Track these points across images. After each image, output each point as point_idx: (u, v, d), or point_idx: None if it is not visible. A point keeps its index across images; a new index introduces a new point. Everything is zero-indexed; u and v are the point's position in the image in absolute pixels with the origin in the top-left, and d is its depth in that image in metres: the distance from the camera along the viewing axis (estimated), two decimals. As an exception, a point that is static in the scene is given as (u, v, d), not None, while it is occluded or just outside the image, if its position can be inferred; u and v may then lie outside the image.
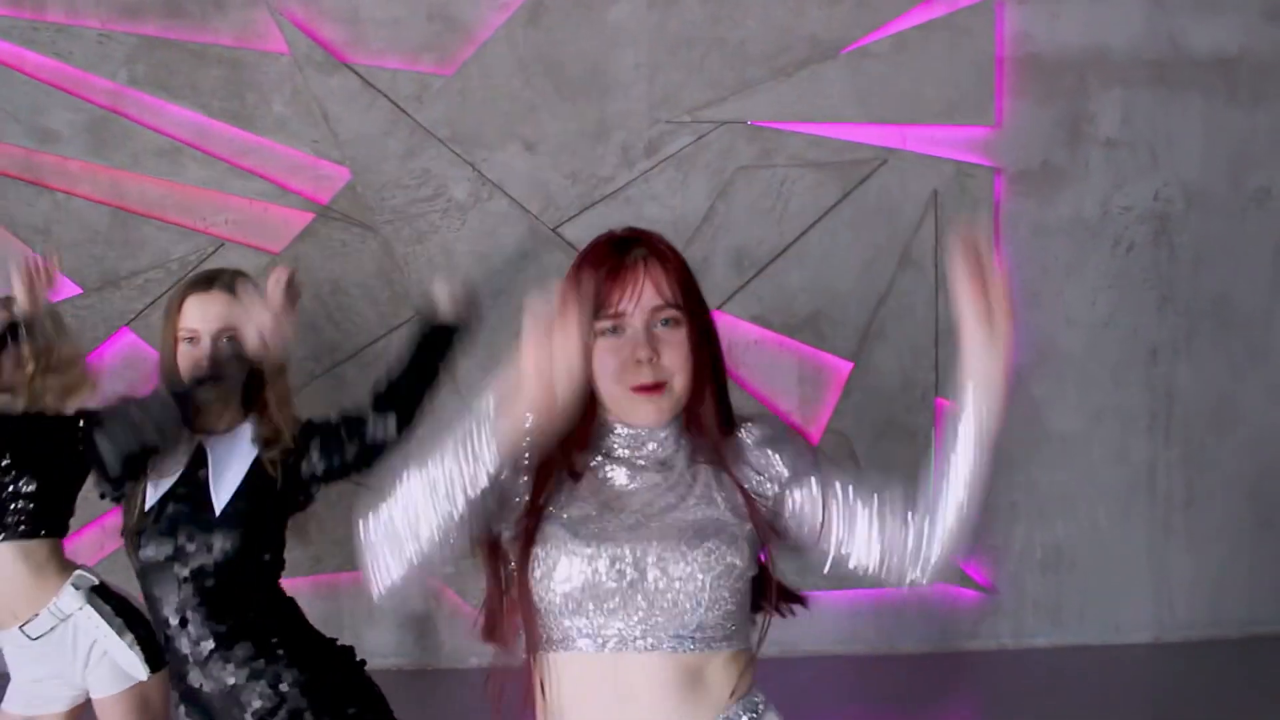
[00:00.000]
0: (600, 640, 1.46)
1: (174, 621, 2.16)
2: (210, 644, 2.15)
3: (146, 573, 2.19)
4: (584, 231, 4.57)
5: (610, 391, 1.50)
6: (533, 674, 1.52)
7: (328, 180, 4.54)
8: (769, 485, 1.56)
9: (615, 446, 1.54)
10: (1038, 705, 4.25)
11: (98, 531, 4.04)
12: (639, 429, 1.53)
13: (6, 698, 2.84)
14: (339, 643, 2.34)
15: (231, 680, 2.16)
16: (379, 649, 4.24)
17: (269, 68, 4.49)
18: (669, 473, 1.53)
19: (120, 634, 2.72)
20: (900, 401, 4.68)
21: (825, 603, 4.73)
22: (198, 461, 2.21)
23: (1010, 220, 4.68)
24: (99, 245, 4.46)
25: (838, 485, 1.57)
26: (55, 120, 4.46)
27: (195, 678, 2.17)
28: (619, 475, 1.53)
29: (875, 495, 1.57)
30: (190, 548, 2.14)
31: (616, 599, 1.45)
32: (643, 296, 1.48)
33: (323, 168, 4.53)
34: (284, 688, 2.16)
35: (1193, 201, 4.72)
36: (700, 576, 1.46)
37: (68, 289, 4.33)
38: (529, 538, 1.47)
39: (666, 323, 1.49)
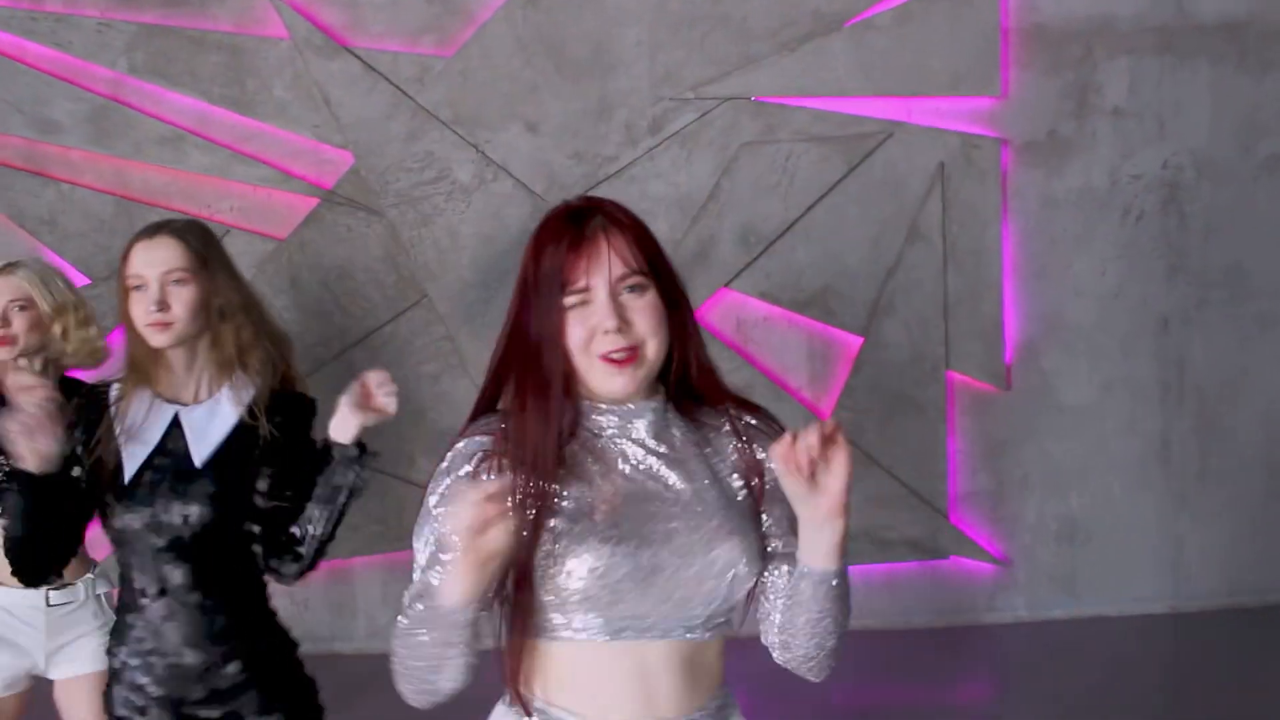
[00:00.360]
0: (613, 629, 1.46)
1: (147, 590, 2.12)
2: (180, 621, 2.12)
3: (121, 542, 2.14)
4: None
5: (581, 363, 1.48)
6: (521, 654, 1.50)
7: (331, 165, 4.53)
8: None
9: (605, 426, 1.53)
10: (1054, 677, 4.25)
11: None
12: (623, 406, 1.52)
13: None
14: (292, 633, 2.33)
15: (189, 659, 2.14)
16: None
17: (269, 53, 4.46)
18: (668, 452, 1.52)
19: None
20: (910, 375, 4.67)
21: (838, 579, 4.72)
22: (174, 430, 2.14)
23: (1018, 192, 4.65)
24: (104, 234, 4.45)
25: (785, 568, 1.54)
26: (57, 110, 4.45)
27: (155, 644, 2.14)
28: (613, 457, 1.52)
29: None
30: (165, 517, 2.09)
31: (632, 593, 1.45)
32: (604, 266, 1.46)
33: (325, 152, 4.52)
34: (230, 672, 2.16)
35: (1202, 170, 4.68)
36: (713, 581, 1.47)
37: (75, 279, 4.32)
38: (535, 536, 1.45)
39: (633, 289, 1.47)
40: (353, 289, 4.56)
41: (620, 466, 1.51)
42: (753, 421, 1.58)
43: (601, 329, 1.45)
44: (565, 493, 1.48)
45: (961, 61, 4.56)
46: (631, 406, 1.52)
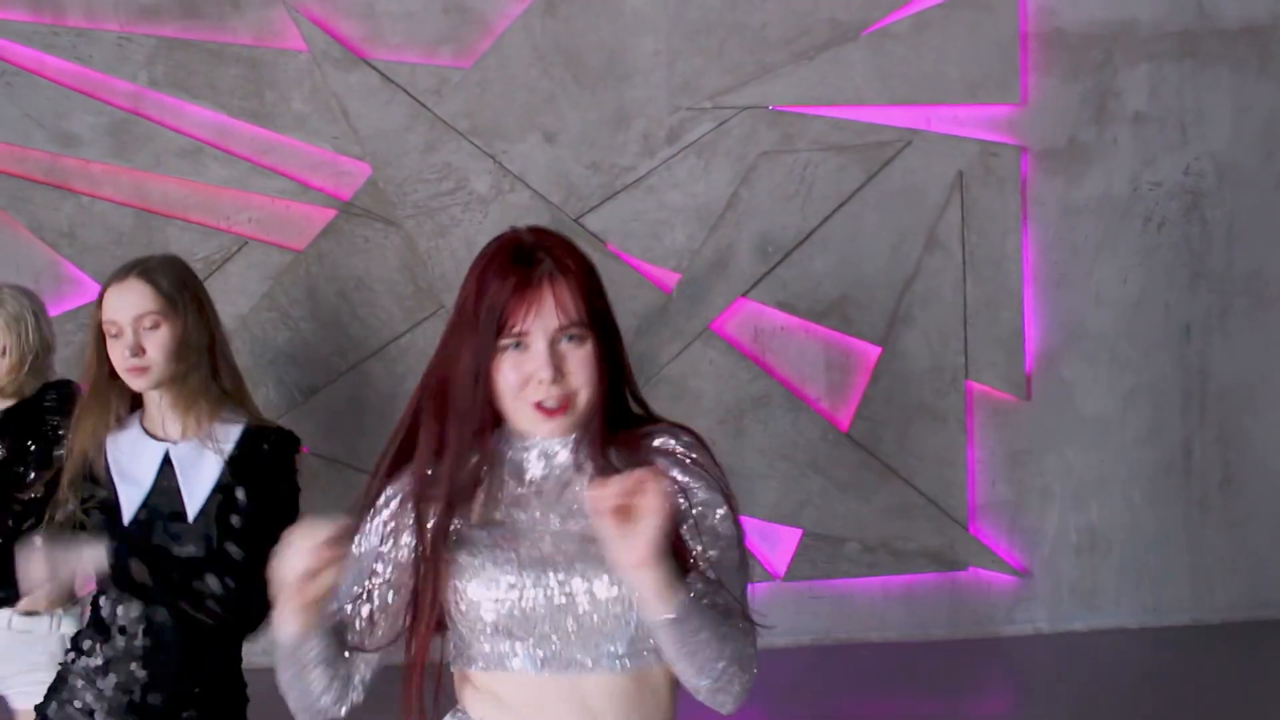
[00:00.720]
0: (538, 661, 1.47)
1: (128, 628, 2.12)
2: (151, 660, 2.12)
3: (110, 574, 2.11)
4: (606, 221, 4.55)
5: (511, 407, 1.49)
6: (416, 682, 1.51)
7: (349, 176, 4.54)
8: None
9: (526, 459, 1.54)
10: (1075, 690, 4.21)
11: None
12: (545, 440, 1.53)
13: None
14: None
15: (150, 699, 2.13)
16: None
17: (287, 65, 4.48)
18: (579, 484, 1.51)
19: None
20: (929, 385, 4.64)
21: (856, 589, 4.70)
22: (166, 468, 2.14)
23: (1037, 199, 4.62)
24: (123, 247, 4.47)
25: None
26: (77, 124, 4.48)
27: (121, 675, 2.13)
28: (530, 489, 1.53)
29: None
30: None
31: (546, 624, 1.46)
32: (546, 315, 1.45)
33: (343, 164, 4.53)
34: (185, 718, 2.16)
35: (1224, 176, 4.64)
36: (620, 611, 1.46)
37: (94, 291, 4.35)
38: (435, 570, 1.47)
39: (572, 338, 1.47)
40: (370, 300, 4.57)
41: (533, 499, 1.52)
42: (676, 475, 1.51)
43: (536, 378, 1.45)
44: (477, 526, 1.49)
45: (980, 69, 4.54)
46: (553, 440, 1.53)
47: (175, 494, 2.11)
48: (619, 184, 4.55)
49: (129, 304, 2.10)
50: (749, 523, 4.61)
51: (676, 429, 1.58)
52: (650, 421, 1.59)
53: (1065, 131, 4.60)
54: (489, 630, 1.47)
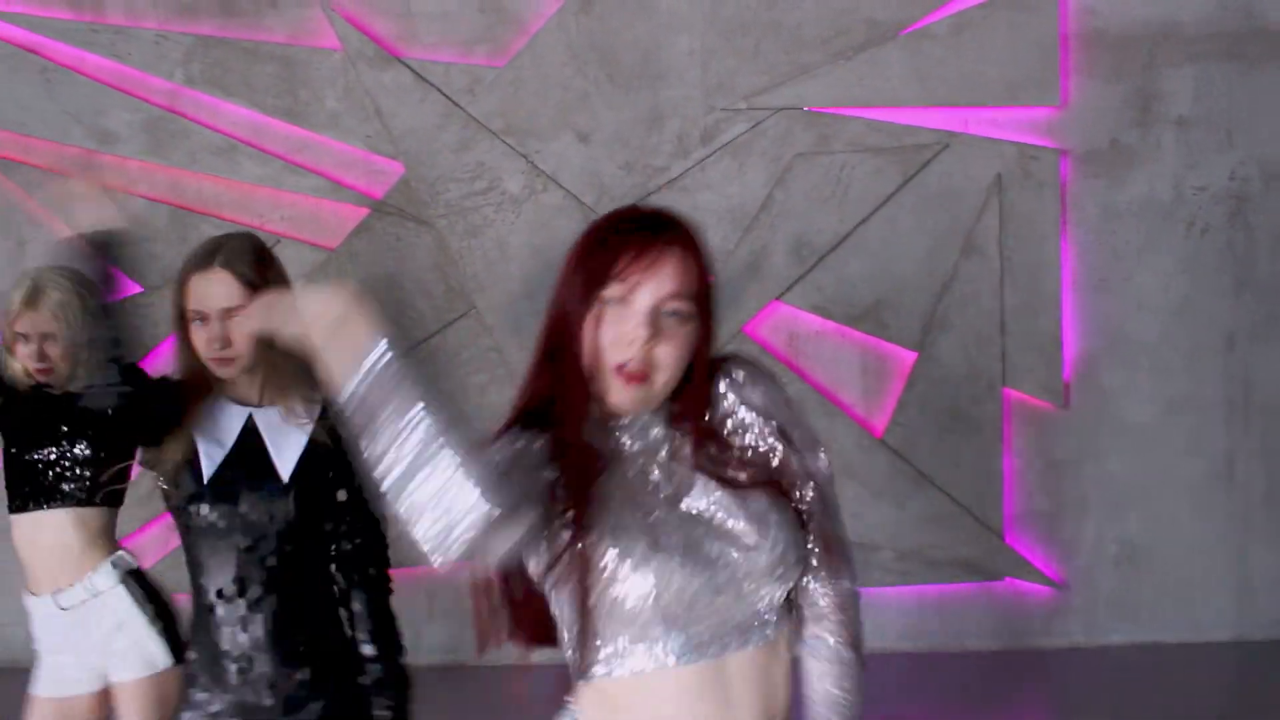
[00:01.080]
0: (695, 648, 1.39)
1: (225, 591, 2.10)
2: (255, 623, 2.10)
3: (200, 541, 2.12)
4: (639, 222, 4.51)
5: (596, 364, 1.40)
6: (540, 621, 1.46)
7: (381, 175, 4.54)
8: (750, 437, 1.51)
9: (623, 436, 1.47)
10: (1112, 705, 4.11)
11: (162, 528, 4.06)
12: (637, 420, 1.47)
13: (35, 680, 2.83)
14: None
15: (262, 669, 2.11)
16: (437, 645, 4.22)
17: (321, 64, 4.49)
18: (663, 458, 1.47)
19: (150, 621, 2.73)
20: (966, 392, 4.56)
21: (889, 598, 4.63)
22: (250, 431, 2.15)
23: (1078, 203, 4.54)
24: (158, 244, 4.49)
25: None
26: (114, 121, 4.51)
27: (228, 646, 2.11)
28: (638, 467, 1.46)
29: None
30: (253, 516, 2.09)
31: (703, 602, 1.39)
32: (661, 277, 1.38)
33: (376, 163, 4.53)
34: (299, 679, 2.12)
35: (1271, 181, 4.54)
36: (763, 559, 1.41)
37: (129, 288, 4.36)
38: (584, 554, 1.38)
39: (674, 314, 1.39)
40: (401, 299, 4.56)
41: (643, 474, 1.46)
42: (749, 398, 1.50)
43: (628, 338, 1.38)
44: (599, 505, 1.41)
45: (1019, 70, 4.47)
46: (644, 420, 1.47)
47: (262, 456, 2.12)
48: (652, 185, 4.51)
49: (217, 294, 2.08)
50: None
51: (734, 364, 1.52)
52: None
53: (1107, 134, 4.52)
54: (642, 619, 1.38)
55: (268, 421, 2.15)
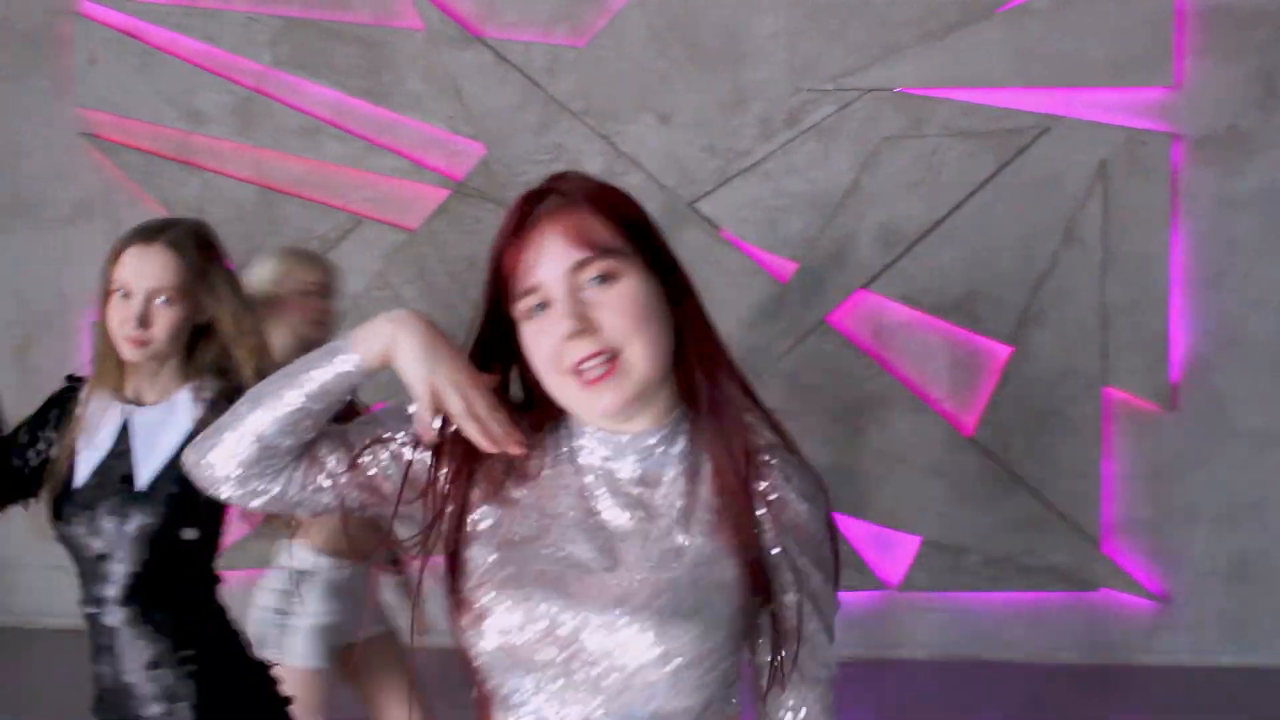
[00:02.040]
0: (555, 708, 1.14)
1: (96, 601, 1.97)
2: (127, 630, 1.95)
3: (70, 550, 1.99)
4: (722, 207, 4.39)
5: (551, 384, 1.16)
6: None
7: (462, 156, 4.52)
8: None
9: (584, 449, 1.21)
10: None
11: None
12: (617, 436, 1.19)
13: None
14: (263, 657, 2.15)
15: (131, 679, 1.96)
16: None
17: (404, 44, 4.49)
18: (643, 500, 1.18)
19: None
20: (1062, 390, 4.31)
21: (977, 603, 4.41)
22: (123, 434, 1.98)
23: (1190, 192, 4.23)
24: (246, 223, 4.56)
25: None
26: (205, 102, 4.59)
27: (105, 663, 1.98)
28: (586, 493, 1.20)
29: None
30: (108, 525, 1.94)
31: (559, 678, 1.13)
32: (555, 253, 1.13)
33: (457, 143, 4.51)
34: (177, 703, 1.96)
35: None
36: (658, 669, 1.11)
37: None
38: (453, 566, 1.17)
39: (599, 279, 1.13)
40: (480, 282, 4.51)
41: (584, 501, 1.20)
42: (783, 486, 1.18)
43: (559, 340, 1.12)
44: (498, 513, 1.20)
45: (1128, 48, 4.19)
46: (626, 439, 1.19)
47: (130, 461, 1.97)
48: (734, 168, 4.38)
49: (150, 272, 1.93)
50: (861, 526, 4.38)
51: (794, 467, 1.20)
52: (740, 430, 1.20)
53: (1225, 117, 4.20)
54: (496, 661, 1.16)
55: (145, 423, 1.99)
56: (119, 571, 1.95)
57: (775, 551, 1.17)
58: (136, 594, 1.96)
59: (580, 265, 1.13)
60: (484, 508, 1.21)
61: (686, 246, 4.48)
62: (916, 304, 4.37)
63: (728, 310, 4.42)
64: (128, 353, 1.97)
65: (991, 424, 4.35)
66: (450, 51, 4.45)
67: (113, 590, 1.96)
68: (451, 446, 1.20)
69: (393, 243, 4.55)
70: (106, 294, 1.97)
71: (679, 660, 1.10)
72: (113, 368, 2.01)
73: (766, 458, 1.18)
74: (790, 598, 1.17)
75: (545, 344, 1.14)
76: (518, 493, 1.20)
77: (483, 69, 4.45)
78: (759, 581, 1.16)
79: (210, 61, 4.58)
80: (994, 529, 4.36)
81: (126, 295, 1.95)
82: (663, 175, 4.41)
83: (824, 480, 1.22)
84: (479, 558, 1.17)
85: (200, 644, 2.00)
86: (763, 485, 1.17)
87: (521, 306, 1.15)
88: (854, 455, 4.37)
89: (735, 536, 1.15)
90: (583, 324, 1.12)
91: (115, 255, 1.98)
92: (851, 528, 4.37)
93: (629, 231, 1.16)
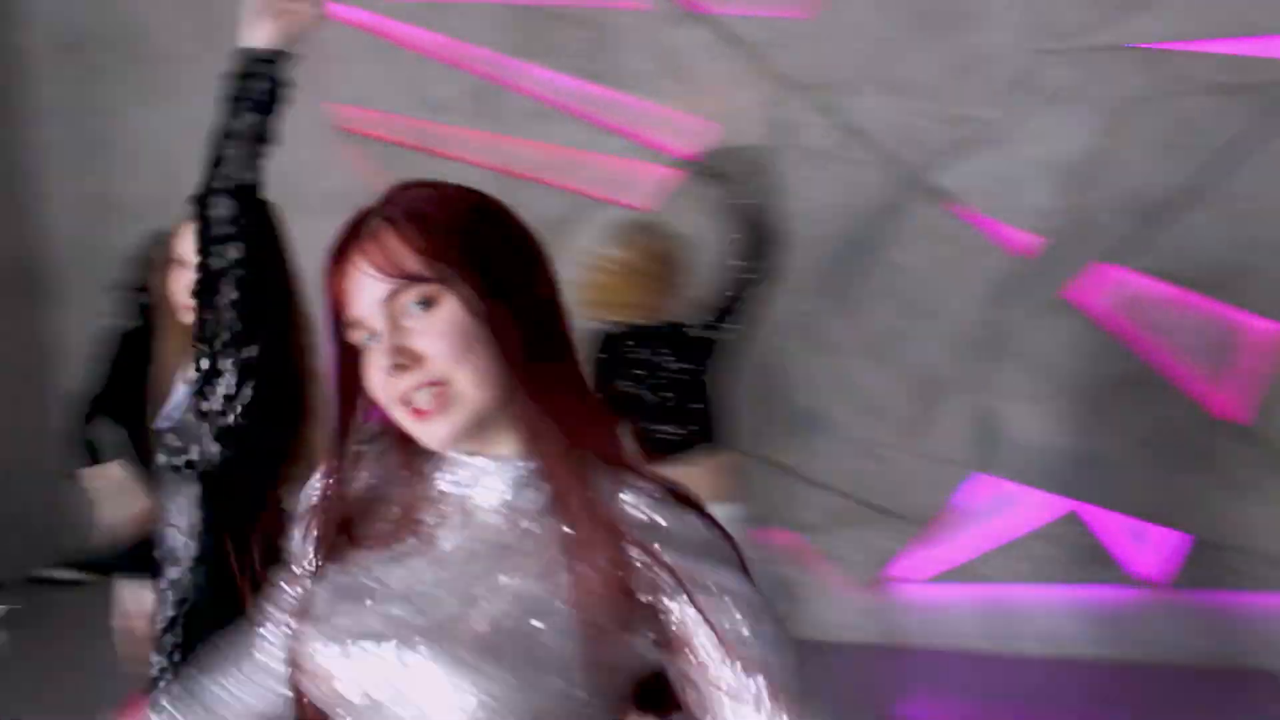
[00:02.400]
0: None
1: (175, 524, 2.03)
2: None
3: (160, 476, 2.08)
4: (957, 179, 4.22)
5: (392, 415, 1.11)
6: None
7: (691, 135, 4.50)
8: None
9: (455, 482, 1.16)
10: None
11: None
12: (476, 459, 1.14)
13: None
14: None
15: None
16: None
17: (630, 24, 4.51)
18: (509, 524, 1.11)
19: None
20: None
21: (1254, 608, 4.10)
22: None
23: None
24: (480, 209, 4.69)
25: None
26: (441, 91, 4.75)
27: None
28: (438, 521, 1.15)
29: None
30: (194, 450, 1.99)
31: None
32: (368, 284, 1.07)
33: (685, 122, 4.50)
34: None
35: None
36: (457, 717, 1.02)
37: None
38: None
39: (422, 304, 1.07)
40: (711, 261, 4.50)
41: (427, 532, 1.15)
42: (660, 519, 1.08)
43: (385, 374, 1.07)
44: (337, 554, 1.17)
45: None
46: (485, 462, 1.13)
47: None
48: (969, 138, 4.20)
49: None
50: (1109, 517, 4.13)
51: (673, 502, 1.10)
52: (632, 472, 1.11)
53: None
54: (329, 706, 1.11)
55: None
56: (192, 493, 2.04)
57: (645, 598, 1.05)
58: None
59: (393, 295, 1.07)
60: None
61: (920, 223, 4.35)
62: (1172, 278, 4.07)
63: (962, 287, 4.25)
64: (190, 319, 2.09)
65: (1265, 416, 4.02)
66: (676, 30, 4.44)
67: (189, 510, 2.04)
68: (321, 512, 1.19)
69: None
70: (169, 268, 2.16)
71: (488, 710, 1.01)
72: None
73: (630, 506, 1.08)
74: (681, 613, 1.05)
75: (375, 377, 1.09)
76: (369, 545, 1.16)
77: (706, 45, 4.42)
78: (622, 630, 1.05)
79: (445, 51, 4.73)
80: (1272, 526, 4.04)
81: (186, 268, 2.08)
82: (896, 148, 4.27)
83: (707, 511, 1.11)
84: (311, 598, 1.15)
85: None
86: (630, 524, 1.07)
87: (354, 336, 1.11)
88: (1097, 438, 4.14)
89: (592, 581, 1.05)
90: (402, 357, 1.06)
91: (177, 231, 2.15)
92: (1098, 519, 4.13)
93: (454, 251, 1.08)
